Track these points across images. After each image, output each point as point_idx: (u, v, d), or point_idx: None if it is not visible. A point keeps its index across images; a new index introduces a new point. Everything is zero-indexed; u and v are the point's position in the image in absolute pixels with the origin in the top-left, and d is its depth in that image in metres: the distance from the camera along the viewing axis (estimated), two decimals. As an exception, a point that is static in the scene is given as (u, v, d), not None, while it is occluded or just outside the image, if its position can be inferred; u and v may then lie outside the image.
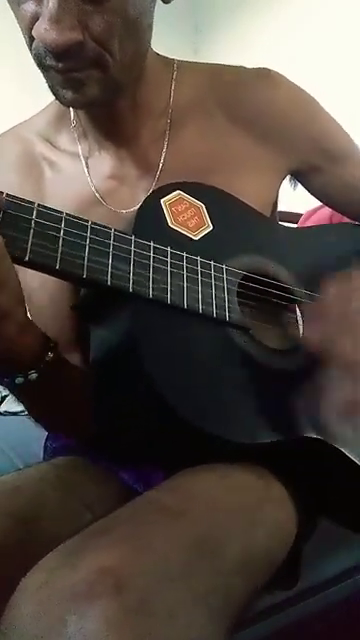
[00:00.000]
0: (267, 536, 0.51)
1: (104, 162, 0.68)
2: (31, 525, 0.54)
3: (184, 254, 0.56)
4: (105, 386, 0.57)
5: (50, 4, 0.51)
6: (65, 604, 0.35)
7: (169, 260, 0.55)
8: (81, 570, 0.37)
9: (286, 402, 0.57)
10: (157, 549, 0.40)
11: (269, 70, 0.72)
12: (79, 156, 0.69)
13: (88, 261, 0.49)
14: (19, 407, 1.71)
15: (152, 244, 0.54)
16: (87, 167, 0.68)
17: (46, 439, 0.77)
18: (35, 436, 0.77)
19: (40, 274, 0.66)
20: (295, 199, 1.12)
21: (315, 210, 1.67)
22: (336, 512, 0.66)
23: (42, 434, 0.78)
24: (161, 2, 0.60)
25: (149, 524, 0.43)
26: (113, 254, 0.51)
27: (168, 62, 0.71)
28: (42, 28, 0.51)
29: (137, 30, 0.56)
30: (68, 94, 0.57)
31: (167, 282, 0.54)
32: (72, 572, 0.37)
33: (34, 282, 0.67)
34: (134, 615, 0.34)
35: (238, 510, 0.49)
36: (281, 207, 0.81)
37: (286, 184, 0.76)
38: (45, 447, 0.77)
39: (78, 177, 0.68)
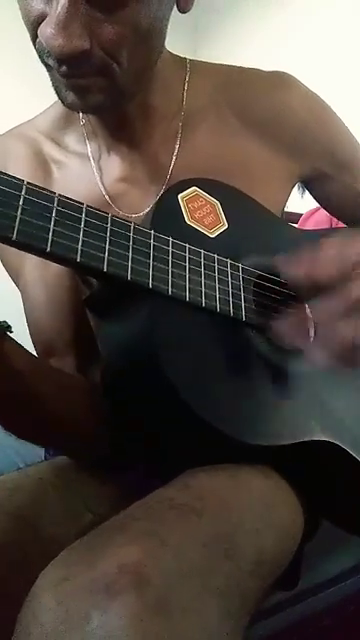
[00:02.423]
0: (277, 537, 0.51)
1: (114, 164, 0.67)
2: (31, 524, 0.54)
3: (202, 251, 0.56)
4: (116, 382, 0.56)
5: (59, 8, 0.48)
6: (86, 600, 0.35)
7: (187, 256, 0.54)
8: (101, 566, 0.36)
9: (298, 404, 0.57)
10: (174, 546, 0.39)
11: (284, 73, 0.71)
12: (88, 156, 0.67)
13: (109, 254, 0.48)
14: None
15: (171, 239, 0.53)
16: (97, 168, 0.67)
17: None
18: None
19: (39, 268, 0.64)
20: (295, 199, 1.12)
21: (315, 211, 1.67)
22: (340, 514, 0.66)
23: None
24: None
25: (165, 521, 0.43)
26: (133, 248, 0.50)
27: (181, 63, 0.69)
28: (48, 32, 0.49)
29: (149, 40, 0.54)
30: (70, 96, 0.55)
31: (185, 279, 0.53)
32: (92, 568, 0.37)
33: (32, 275, 0.66)
34: (154, 612, 0.34)
35: (250, 511, 0.49)
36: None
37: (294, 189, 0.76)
38: (46, 446, 0.76)
39: (87, 178, 0.67)
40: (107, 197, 0.66)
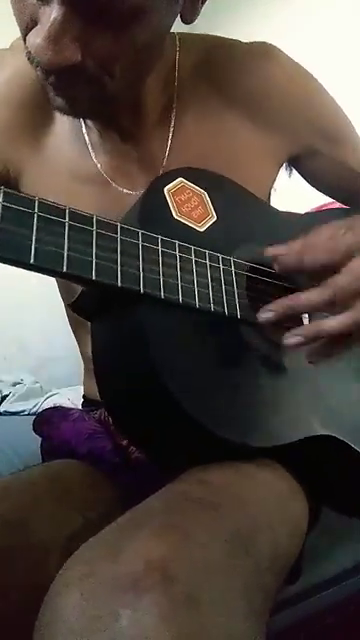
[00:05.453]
0: (289, 534, 0.50)
1: (108, 142, 0.64)
2: (20, 528, 0.53)
3: (192, 248, 0.54)
4: (108, 388, 0.55)
5: (52, 17, 0.45)
6: (113, 597, 0.34)
7: (178, 255, 0.52)
8: (126, 562, 0.35)
9: (296, 400, 0.57)
10: (198, 541, 0.39)
11: (265, 44, 0.67)
12: (81, 129, 0.64)
13: (97, 259, 0.45)
14: (19, 407, 1.72)
15: (160, 238, 0.51)
16: (90, 140, 0.64)
17: (42, 439, 0.76)
18: (35, 436, 0.77)
19: None
20: (296, 198, 1.11)
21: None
22: (342, 506, 0.66)
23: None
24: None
25: (186, 515, 0.42)
26: (122, 251, 0.47)
27: (172, 40, 0.64)
28: (37, 42, 0.46)
29: (145, 55, 0.52)
30: (58, 101, 0.53)
31: (177, 280, 0.51)
32: (116, 564, 0.36)
33: None
34: (182, 608, 0.33)
35: (264, 507, 0.49)
36: (282, 207, 0.80)
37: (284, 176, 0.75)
38: (42, 447, 0.76)
39: (81, 148, 0.64)
40: (103, 173, 0.64)
